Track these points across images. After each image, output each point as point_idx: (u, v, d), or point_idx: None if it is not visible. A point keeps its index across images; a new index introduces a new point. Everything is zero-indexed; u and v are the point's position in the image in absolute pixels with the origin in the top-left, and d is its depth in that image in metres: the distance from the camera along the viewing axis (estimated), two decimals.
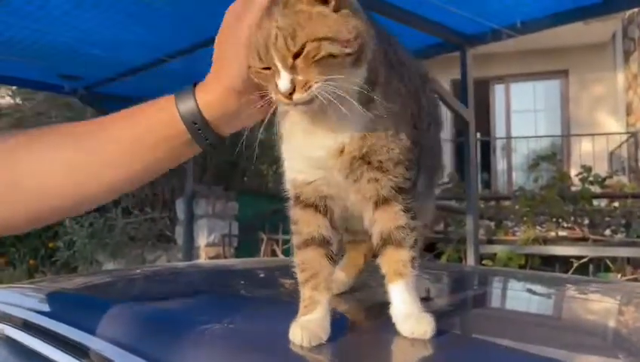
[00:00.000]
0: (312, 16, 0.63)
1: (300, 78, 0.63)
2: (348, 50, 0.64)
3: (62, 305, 1.19)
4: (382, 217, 0.78)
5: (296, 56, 0.62)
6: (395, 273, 0.78)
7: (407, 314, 0.76)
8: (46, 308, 1.21)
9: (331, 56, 0.63)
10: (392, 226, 0.78)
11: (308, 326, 0.72)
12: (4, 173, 0.77)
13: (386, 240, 0.78)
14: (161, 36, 3.92)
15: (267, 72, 0.67)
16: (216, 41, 0.77)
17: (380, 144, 0.73)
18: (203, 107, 0.76)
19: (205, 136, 0.78)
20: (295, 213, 0.80)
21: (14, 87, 7.52)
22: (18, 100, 8.04)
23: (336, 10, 0.64)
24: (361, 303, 1.06)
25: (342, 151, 0.73)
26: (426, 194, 0.93)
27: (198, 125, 0.77)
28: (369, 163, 0.74)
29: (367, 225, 0.81)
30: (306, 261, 0.78)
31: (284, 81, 0.63)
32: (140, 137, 0.79)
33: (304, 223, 0.79)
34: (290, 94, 0.64)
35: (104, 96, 5.48)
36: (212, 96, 0.77)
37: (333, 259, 0.79)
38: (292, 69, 0.63)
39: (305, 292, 0.77)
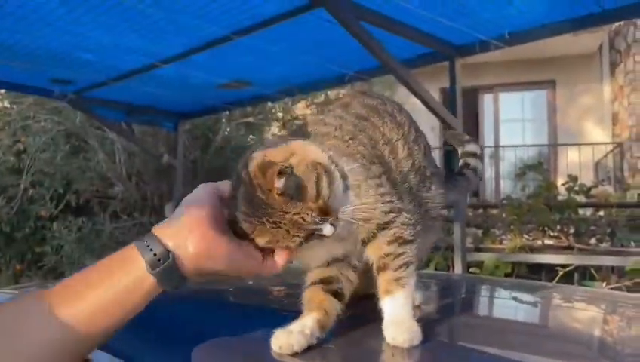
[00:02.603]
0: (302, 194, 0.77)
1: (332, 218, 0.78)
2: (324, 178, 0.78)
3: None
4: (370, 251, 0.88)
5: (319, 211, 0.77)
6: (384, 291, 0.85)
7: (392, 321, 0.81)
8: None
9: (329, 192, 0.78)
10: (377, 256, 0.87)
11: (281, 336, 0.79)
12: None
13: (377, 268, 0.87)
14: (153, 42, 3.92)
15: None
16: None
17: (364, 210, 0.84)
18: (159, 233, 0.78)
19: (166, 273, 0.75)
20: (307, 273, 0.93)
21: (2, 91, 7.46)
22: (6, 103, 7.98)
23: (292, 170, 0.76)
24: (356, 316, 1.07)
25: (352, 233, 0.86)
26: (425, 222, 1.01)
27: (160, 256, 0.75)
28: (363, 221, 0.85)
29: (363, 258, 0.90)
30: (306, 295, 0.89)
31: (327, 228, 0.78)
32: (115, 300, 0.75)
33: (309, 277, 0.91)
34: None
35: (94, 100, 5.46)
36: (170, 227, 0.79)
37: (337, 293, 0.89)
38: (323, 220, 0.78)
39: (305, 308, 0.87)
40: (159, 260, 0.75)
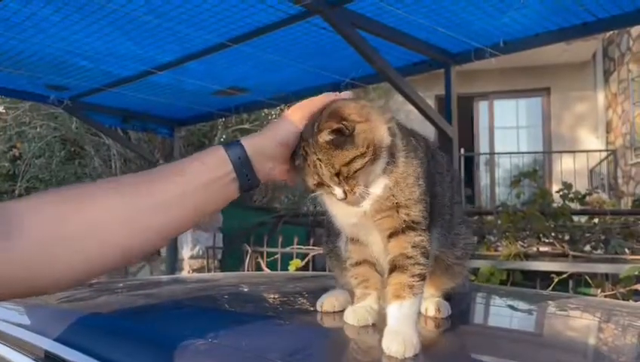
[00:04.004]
0: (337, 153, 0.85)
1: (346, 187, 0.85)
2: (367, 158, 0.84)
3: (43, 319, 1.19)
4: (392, 247, 0.89)
5: (337, 174, 0.85)
6: (394, 295, 0.85)
7: (392, 330, 0.80)
8: (27, 321, 1.21)
9: (359, 168, 0.84)
10: (398, 253, 0.88)
11: (358, 311, 0.92)
12: (52, 229, 0.75)
13: (392, 267, 0.88)
14: (148, 49, 3.93)
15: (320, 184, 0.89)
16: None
17: (394, 195, 0.88)
18: (245, 143, 0.91)
19: (246, 173, 0.89)
20: (348, 245, 1.00)
21: None
22: (1, 109, 7.95)
23: (351, 133, 0.84)
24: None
25: (365, 212, 0.90)
26: (453, 254, 1.05)
27: (241, 159, 0.89)
28: (386, 208, 0.89)
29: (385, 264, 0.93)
30: (358, 273, 0.98)
31: (338, 192, 0.86)
32: (190, 179, 0.85)
33: (354, 252, 0.99)
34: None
35: (90, 106, 5.46)
36: (254, 138, 0.93)
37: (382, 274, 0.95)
38: (340, 183, 0.85)
39: (357, 291, 0.97)
40: (239, 158, 0.89)
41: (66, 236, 0.75)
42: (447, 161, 1.09)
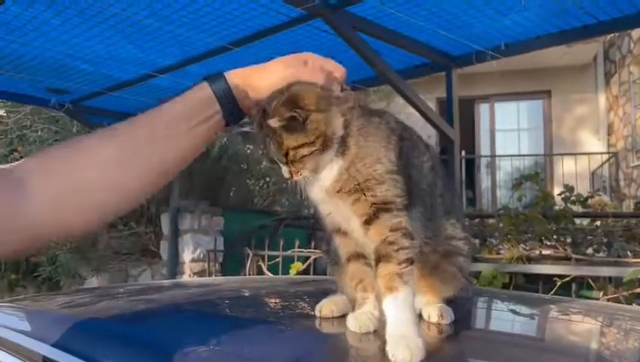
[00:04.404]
0: (287, 136, 0.87)
1: (293, 168, 0.88)
2: (315, 148, 0.87)
3: (42, 325, 1.18)
4: (372, 234, 0.87)
5: (285, 154, 0.87)
6: (386, 287, 0.83)
7: (393, 335, 0.79)
8: (26, 326, 1.20)
9: (305, 155, 0.87)
10: (379, 240, 0.86)
11: (359, 317, 0.91)
12: (62, 183, 0.80)
13: (378, 257, 0.86)
14: (149, 52, 3.93)
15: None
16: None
17: (352, 176, 0.88)
18: (229, 76, 0.93)
19: (231, 109, 0.93)
20: (335, 239, 1.00)
21: None
22: (2, 112, 7.95)
23: (304, 120, 0.85)
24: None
25: (327, 190, 0.91)
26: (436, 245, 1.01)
27: (225, 93, 0.92)
28: (349, 190, 0.89)
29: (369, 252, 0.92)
30: (352, 272, 0.97)
31: (284, 170, 0.90)
32: (175, 117, 0.91)
33: (343, 244, 0.98)
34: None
35: (91, 110, 5.46)
36: (242, 71, 0.96)
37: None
38: (286, 163, 0.88)
39: (357, 297, 0.96)
40: (223, 91, 0.92)
41: (73, 189, 0.80)
42: (430, 148, 1.06)
